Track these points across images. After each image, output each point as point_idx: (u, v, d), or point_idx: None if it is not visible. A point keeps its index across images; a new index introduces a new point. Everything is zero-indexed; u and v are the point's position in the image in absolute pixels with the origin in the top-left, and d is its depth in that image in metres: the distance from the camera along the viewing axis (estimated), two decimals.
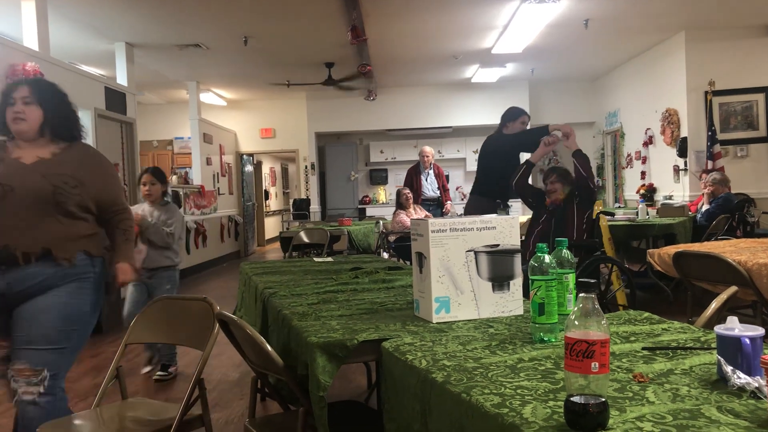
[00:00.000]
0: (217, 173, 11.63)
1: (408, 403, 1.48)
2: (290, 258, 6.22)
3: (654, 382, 1.25)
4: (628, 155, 10.37)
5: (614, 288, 4.88)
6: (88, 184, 2.41)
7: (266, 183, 16.65)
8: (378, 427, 1.73)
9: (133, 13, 6.92)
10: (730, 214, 6.31)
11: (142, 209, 4.09)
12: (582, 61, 10.10)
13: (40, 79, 2.63)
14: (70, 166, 2.39)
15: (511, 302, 1.98)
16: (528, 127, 5.01)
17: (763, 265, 3.05)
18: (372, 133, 12.64)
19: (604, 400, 1.03)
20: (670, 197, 8.67)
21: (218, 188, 11.58)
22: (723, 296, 2.04)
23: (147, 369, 4.23)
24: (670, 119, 8.65)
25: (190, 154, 11.08)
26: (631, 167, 10.27)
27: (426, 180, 8.04)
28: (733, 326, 1.27)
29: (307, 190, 12.84)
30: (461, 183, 12.72)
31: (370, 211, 12.25)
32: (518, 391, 1.22)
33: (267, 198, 16.60)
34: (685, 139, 8.32)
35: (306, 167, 12.66)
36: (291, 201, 14.31)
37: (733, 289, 2.13)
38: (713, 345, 1.41)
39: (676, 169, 8.60)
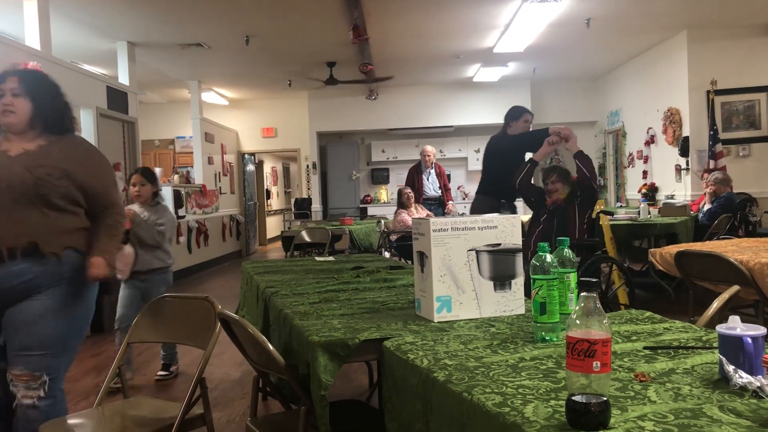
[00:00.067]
0: (219, 172, 11.63)
1: (409, 403, 1.48)
2: (292, 257, 6.22)
3: (655, 381, 1.25)
4: (630, 154, 10.36)
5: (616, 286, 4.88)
6: (75, 175, 2.31)
7: (268, 182, 16.66)
8: (379, 427, 1.73)
9: (135, 13, 6.93)
10: (732, 213, 6.30)
11: (133, 210, 4.06)
12: (584, 60, 10.09)
13: (30, 70, 2.48)
14: (55, 157, 2.30)
15: (512, 301, 1.98)
16: (531, 125, 5.05)
17: (765, 264, 3.05)
18: (373, 133, 12.64)
19: (605, 399, 1.03)
20: (672, 196, 8.66)
21: (220, 187, 11.59)
22: (725, 296, 2.04)
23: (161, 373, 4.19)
24: (672, 118, 8.64)
25: (192, 153, 11.09)
26: (633, 166, 10.26)
27: (427, 179, 8.04)
28: (735, 326, 1.27)
29: (308, 189, 12.84)
30: (463, 182, 12.72)
31: (372, 210, 12.26)
32: (520, 390, 1.22)
33: (268, 197, 16.61)
34: (687, 138, 8.32)
35: (307, 166, 12.66)
36: (292, 200, 14.32)
37: (735, 288, 2.13)
38: (715, 344, 1.41)
39: (678, 169, 8.59)
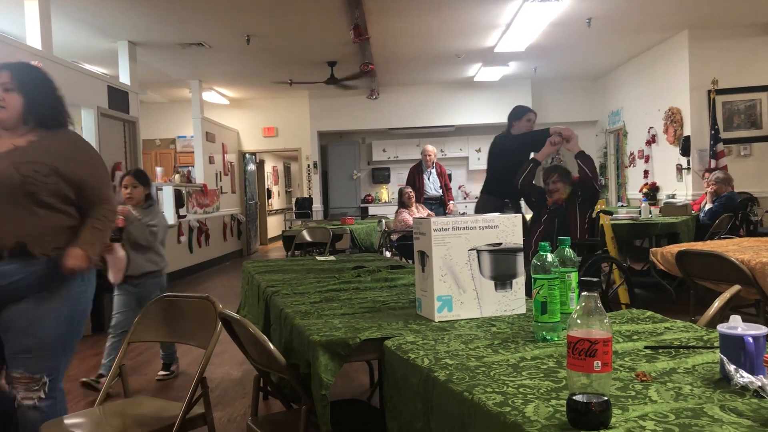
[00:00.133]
0: (220, 172, 11.64)
1: (410, 402, 1.48)
2: (293, 257, 6.23)
3: (656, 380, 1.25)
4: (631, 154, 10.35)
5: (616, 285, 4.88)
6: (66, 171, 2.23)
7: (269, 182, 16.66)
8: (380, 426, 1.73)
9: (136, 12, 6.93)
10: (734, 213, 6.29)
11: (128, 207, 4.00)
12: (585, 59, 10.08)
13: (23, 63, 2.41)
14: (45, 153, 2.22)
15: (513, 301, 1.97)
16: (534, 124, 5.06)
17: (766, 264, 3.04)
18: (374, 132, 12.64)
19: (606, 398, 1.03)
20: (673, 196, 8.65)
21: (221, 187, 11.60)
22: (726, 295, 2.03)
23: (162, 373, 4.18)
24: (673, 118, 8.63)
25: (193, 152, 11.10)
26: (634, 166, 10.25)
27: (428, 179, 8.03)
28: (736, 325, 1.27)
29: (309, 188, 12.84)
30: (464, 182, 12.72)
31: (373, 209, 12.26)
32: (520, 389, 1.22)
33: (269, 197, 16.62)
34: (688, 137, 8.31)
35: (308, 166, 12.66)
36: (293, 200, 14.32)
37: (736, 287, 2.13)
38: (716, 344, 1.41)
39: (679, 168, 8.58)
